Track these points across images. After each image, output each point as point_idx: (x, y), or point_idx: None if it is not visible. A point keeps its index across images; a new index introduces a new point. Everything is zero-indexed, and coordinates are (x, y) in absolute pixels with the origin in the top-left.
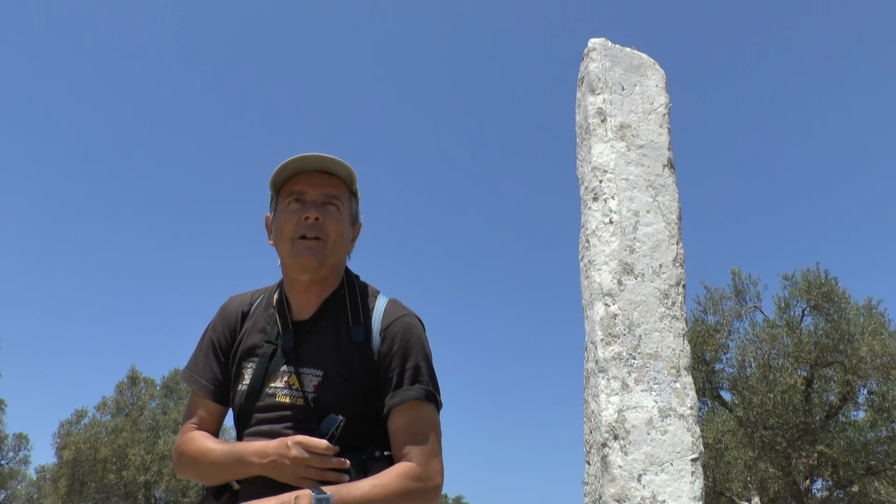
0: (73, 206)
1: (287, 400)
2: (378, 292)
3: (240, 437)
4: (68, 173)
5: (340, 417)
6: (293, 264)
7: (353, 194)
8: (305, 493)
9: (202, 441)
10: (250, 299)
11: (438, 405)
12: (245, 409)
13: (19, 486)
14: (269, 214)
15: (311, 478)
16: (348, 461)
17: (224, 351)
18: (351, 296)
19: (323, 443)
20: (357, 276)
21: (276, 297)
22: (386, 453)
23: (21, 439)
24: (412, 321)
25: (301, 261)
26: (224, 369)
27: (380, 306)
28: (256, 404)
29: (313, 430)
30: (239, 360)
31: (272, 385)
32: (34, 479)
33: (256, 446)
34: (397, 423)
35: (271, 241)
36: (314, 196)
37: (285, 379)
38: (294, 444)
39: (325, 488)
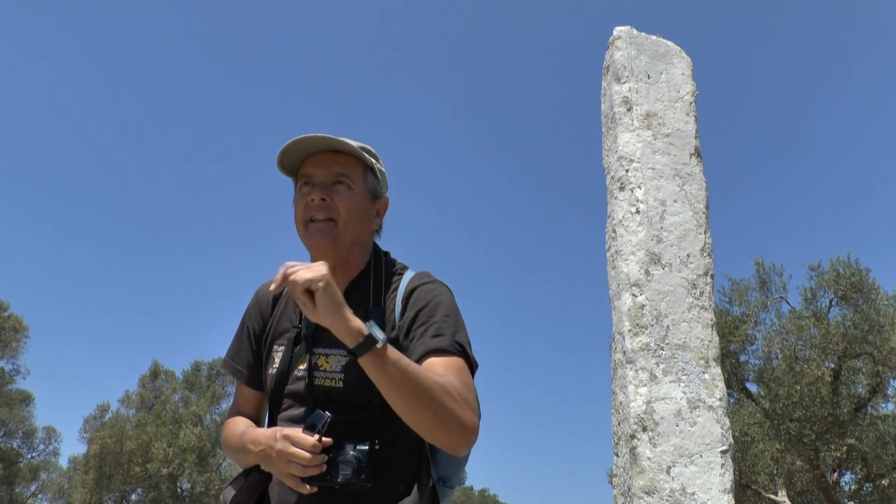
0: (96, 204)
1: (316, 382)
2: (406, 268)
3: (273, 421)
4: (91, 170)
5: (328, 414)
6: (308, 247)
7: (370, 169)
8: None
9: (233, 427)
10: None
11: (471, 362)
12: (276, 393)
13: (51, 477)
14: None
15: (292, 473)
16: (326, 457)
17: (257, 336)
18: (375, 277)
19: (309, 440)
20: (387, 254)
21: None
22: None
23: (50, 432)
24: (436, 286)
25: (313, 243)
26: (257, 355)
27: (404, 281)
28: (286, 388)
29: (349, 411)
30: (270, 344)
31: (300, 368)
32: (65, 469)
33: (255, 434)
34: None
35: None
36: (322, 177)
37: (314, 361)
38: (281, 437)
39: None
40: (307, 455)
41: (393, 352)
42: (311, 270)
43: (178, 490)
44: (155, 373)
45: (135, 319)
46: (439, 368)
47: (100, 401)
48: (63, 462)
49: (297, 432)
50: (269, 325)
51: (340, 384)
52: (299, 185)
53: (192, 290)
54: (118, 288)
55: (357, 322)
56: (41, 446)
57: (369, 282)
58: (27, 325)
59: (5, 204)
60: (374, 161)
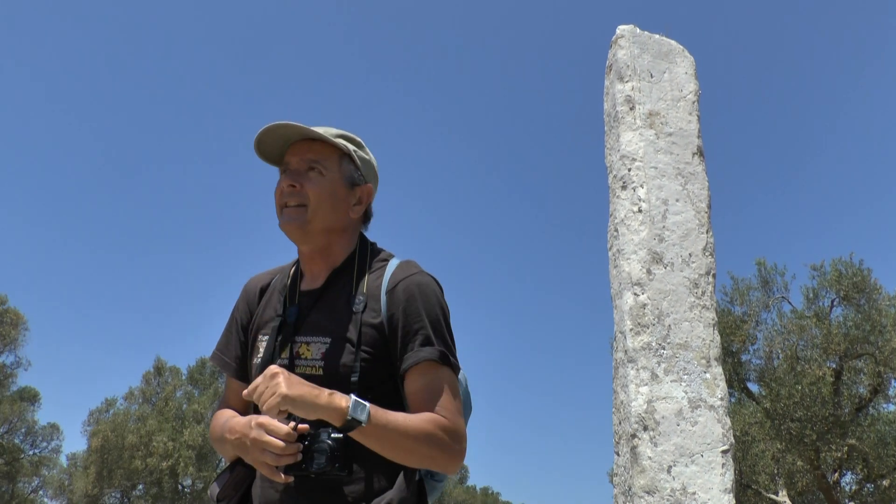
0: (101, 201)
1: (298, 370)
2: (391, 256)
3: (258, 411)
4: (96, 165)
5: None
6: (284, 232)
7: (348, 156)
8: (344, 397)
9: (218, 418)
10: (270, 275)
11: (455, 368)
12: None
13: (52, 473)
14: None
15: (266, 462)
16: (301, 445)
17: (244, 328)
18: (359, 264)
19: (283, 428)
20: (373, 244)
21: (292, 271)
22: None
23: (54, 429)
24: (423, 279)
25: (285, 229)
26: (245, 346)
27: (388, 270)
28: None
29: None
30: (255, 335)
31: (283, 357)
32: (65, 465)
33: (233, 422)
34: (413, 386)
35: None
36: (296, 164)
37: (295, 349)
38: (256, 425)
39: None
40: (280, 443)
41: (379, 418)
42: (272, 396)
43: (179, 486)
44: (159, 369)
45: (139, 317)
46: (427, 391)
47: (103, 398)
48: (63, 459)
49: (272, 420)
50: (255, 315)
51: (320, 371)
52: (280, 174)
53: (196, 288)
54: (123, 285)
55: (336, 403)
56: (44, 443)
57: (353, 269)
58: (25, 318)
59: (8, 201)
60: (353, 149)
